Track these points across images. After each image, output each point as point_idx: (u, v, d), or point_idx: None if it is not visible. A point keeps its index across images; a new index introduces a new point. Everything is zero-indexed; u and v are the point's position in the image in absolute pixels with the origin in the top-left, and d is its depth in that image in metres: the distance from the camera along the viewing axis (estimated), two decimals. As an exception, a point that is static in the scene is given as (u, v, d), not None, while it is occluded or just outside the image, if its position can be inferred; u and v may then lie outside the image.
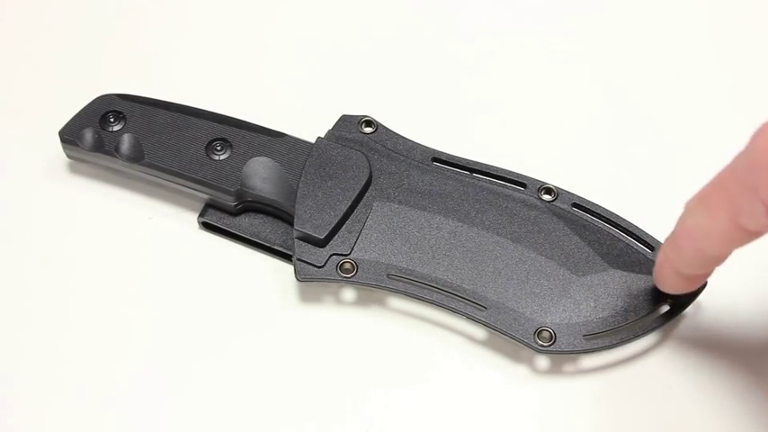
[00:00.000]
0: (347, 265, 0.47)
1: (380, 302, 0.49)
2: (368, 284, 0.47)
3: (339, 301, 0.50)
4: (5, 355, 0.48)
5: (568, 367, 0.48)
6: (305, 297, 0.50)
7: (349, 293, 0.50)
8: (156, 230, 0.51)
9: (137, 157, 0.50)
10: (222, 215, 0.51)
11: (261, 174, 0.49)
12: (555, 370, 0.48)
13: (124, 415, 0.47)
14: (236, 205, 0.50)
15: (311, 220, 0.48)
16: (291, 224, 0.48)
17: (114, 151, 0.50)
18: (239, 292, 0.50)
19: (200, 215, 0.51)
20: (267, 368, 0.48)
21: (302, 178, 0.49)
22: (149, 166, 0.50)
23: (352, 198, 0.48)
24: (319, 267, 0.47)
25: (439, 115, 0.56)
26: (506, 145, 0.54)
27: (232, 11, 0.59)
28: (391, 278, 0.47)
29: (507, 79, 0.57)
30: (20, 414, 0.47)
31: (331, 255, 0.48)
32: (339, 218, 0.48)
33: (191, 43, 0.58)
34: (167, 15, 0.59)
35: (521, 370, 0.48)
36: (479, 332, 0.49)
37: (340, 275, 0.47)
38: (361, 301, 0.50)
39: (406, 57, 0.58)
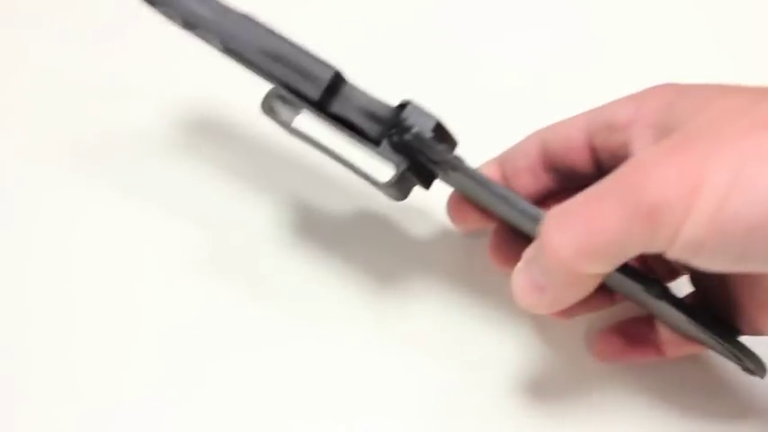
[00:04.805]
0: None
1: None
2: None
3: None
4: (6, 355, 0.48)
5: (568, 365, 0.48)
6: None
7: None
8: (157, 230, 0.52)
9: None
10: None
11: None
12: (556, 369, 0.48)
13: (123, 415, 0.47)
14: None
15: None
16: None
17: None
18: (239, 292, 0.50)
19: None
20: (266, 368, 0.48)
21: None
22: None
23: None
24: None
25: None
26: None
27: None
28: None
29: (507, 79, 0.57)
30: (21, 414, 0.47)
31: None
32: None
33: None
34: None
35: (513, 364, 0.48)
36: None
37: None
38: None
39: (407, 57, 0.58)
